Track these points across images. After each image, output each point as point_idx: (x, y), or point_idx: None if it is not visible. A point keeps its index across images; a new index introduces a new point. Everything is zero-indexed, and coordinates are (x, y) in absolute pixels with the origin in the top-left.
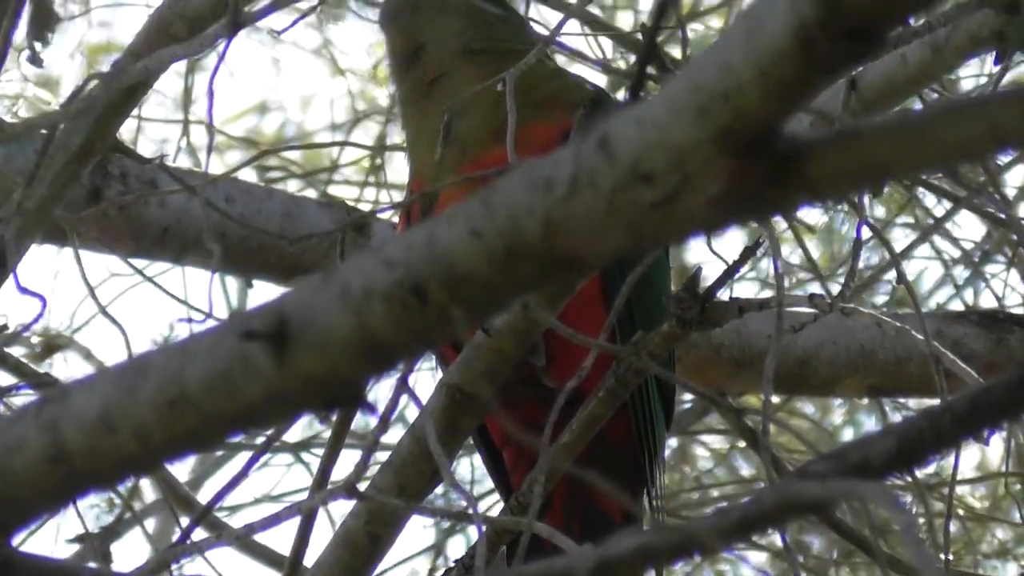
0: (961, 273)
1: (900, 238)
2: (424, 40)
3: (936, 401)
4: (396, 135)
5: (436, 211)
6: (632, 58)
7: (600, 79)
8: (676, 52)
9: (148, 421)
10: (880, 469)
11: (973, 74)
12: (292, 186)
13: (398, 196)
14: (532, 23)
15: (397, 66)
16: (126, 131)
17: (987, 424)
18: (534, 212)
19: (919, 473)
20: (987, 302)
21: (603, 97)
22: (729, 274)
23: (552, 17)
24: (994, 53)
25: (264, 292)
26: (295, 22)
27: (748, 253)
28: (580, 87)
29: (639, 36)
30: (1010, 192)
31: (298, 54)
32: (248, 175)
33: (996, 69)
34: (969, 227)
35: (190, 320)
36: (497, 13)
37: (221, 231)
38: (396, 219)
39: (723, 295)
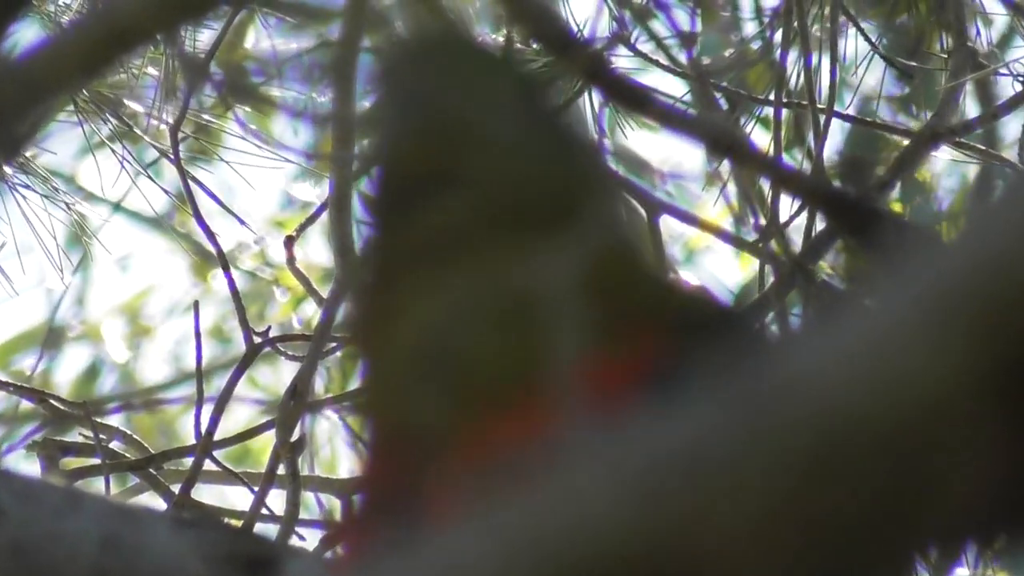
0: None
1: None
2: (458, 171)
3: None
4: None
5: (428, 512)
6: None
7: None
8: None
9: None
10: None
11: None
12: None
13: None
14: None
15: (390, 199)
16: None
17: None
18: (621, 522)
19: None
20: None
21: (734, 318)
22: None
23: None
24: None
25: None
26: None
27: None
28: (688, 294)
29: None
30: None
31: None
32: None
33: None
34: None
35: None
36: (573, 147)
37: None
38: (331, 543)
39: None
